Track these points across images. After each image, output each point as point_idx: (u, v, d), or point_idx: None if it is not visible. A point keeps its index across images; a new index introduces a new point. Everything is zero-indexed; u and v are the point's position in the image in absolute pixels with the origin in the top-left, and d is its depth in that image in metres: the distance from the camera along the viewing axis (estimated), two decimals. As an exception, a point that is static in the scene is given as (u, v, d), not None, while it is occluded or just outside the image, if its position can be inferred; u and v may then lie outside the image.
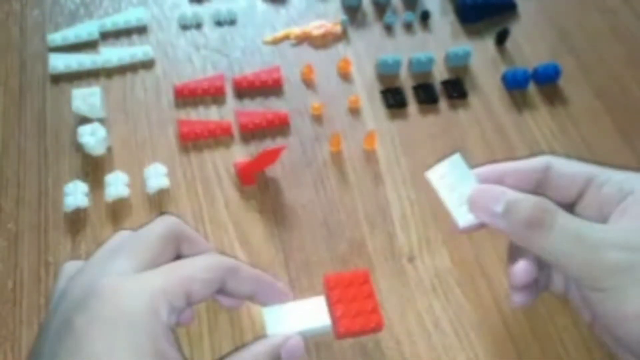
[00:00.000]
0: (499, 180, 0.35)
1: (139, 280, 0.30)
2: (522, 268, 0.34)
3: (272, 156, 0.46)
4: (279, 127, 0.50)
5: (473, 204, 0.34)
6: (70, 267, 0.34)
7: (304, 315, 0.35)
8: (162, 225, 0.34)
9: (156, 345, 0.28)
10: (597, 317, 0.32)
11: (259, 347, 0.32)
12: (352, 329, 0.37)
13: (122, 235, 0.35)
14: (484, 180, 0.35)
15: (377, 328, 0.38)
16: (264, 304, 0.35)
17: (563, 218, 0.31)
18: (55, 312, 0.30)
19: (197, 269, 0.32)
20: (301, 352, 0.33)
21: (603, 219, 0.32)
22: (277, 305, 0.35)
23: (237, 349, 0.33)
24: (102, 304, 0.28)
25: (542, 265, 0.35)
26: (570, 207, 0.34)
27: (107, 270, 0.30)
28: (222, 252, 0.42)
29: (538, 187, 0.35)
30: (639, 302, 0.28)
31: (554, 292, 0.36)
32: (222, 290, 0.33)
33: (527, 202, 0.32)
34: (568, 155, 0.49)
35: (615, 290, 0.29)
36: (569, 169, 0.34)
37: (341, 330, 0.36)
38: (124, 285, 0.29)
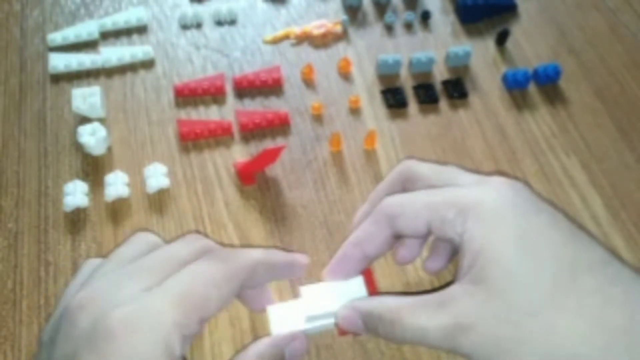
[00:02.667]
0: (362, 253, 0.35)
1: (151, 315, 0.27)
2: (401, 254, 0.37)
3: (272, 156, 0.46)
4: (279, 126, 0.50)
5: (340, 328, 0.35)
6: (90, 266, 0.32)
7: (309, 313, 0.35)
8: (188, 249, 0.31)
9: None
10: None
11: (263, 346, 0.32)
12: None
13: (142, 244, 0.32)
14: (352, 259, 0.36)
15: None
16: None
17: (400, 310, 0.31)
18: (61, 338, 0.28)
19: (211, 284, 0.29)
20: (304, 352, 0.33)
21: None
22: (282, 303, 0.35)
23: (239, 351, 0.32)
24: (113, 345, 0.26)
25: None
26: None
27: (118, 299, 0.28)
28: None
29: (395, 237, 0.35)
30: None
31: None
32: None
33: (375, 310, 0.32)
34: (567, 154, 0.49)
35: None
36: (408, 223, 0.33)
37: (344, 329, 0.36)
38: (135, 323, 0.27)
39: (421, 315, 0.30)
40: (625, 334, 0.26)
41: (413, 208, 0.32)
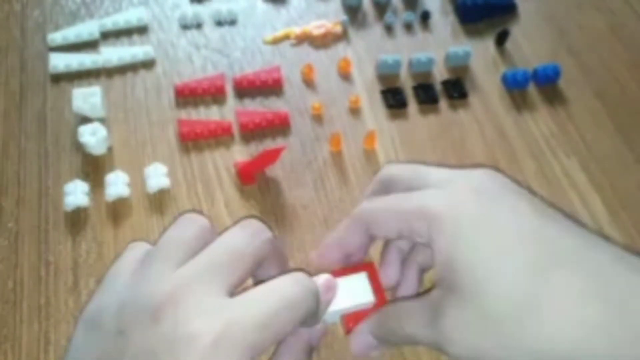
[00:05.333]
0: (341, 253, 0.36)
1: (235, 333, 0.26)
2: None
3: (272, 156, 0.46)
4: (279, 127, 0.51)
5: (347, 327, 0.35)
6: (138, 250, 0.31)
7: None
8: (253, 245, 0.30)
9: None
10: None
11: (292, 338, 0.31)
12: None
13: (194, 228, 0.30)
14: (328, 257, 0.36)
15: None
16: None
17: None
18: (139, 335, 0.27)
19: (290, 307, 0.28)
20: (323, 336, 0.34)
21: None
22: None
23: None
24: (193, 354, 0.25)
25: None
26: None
27: (200, 303, 0.27)
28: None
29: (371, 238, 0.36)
30: None
31: None
32: None
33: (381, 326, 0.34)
34: (567, 155, 0.49)
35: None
36: (380, 230, 0.34)
37: (350, 325, 0.35)
38: (218, 338, 0.26)
39: (414, 326, 0.31)
40: (604, 329, 0.26)
41: (384, 217, 0.33)
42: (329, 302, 0.33)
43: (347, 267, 0.38)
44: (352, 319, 0.36)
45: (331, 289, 0.33)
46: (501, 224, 0.30)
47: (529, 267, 0.28)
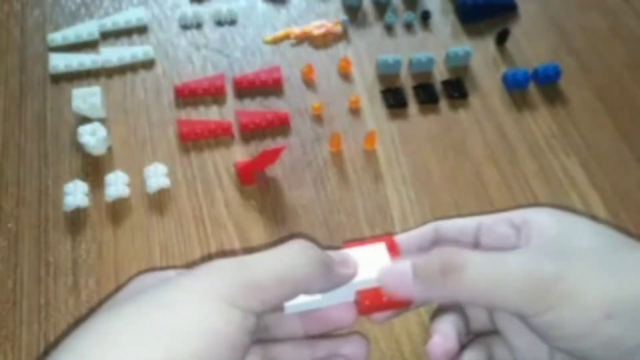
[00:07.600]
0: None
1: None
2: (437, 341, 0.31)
3: (272, 156, 0.46)
4: (279, 127, 0.50)
5: (386, 287, 0.31)
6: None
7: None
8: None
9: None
10: (557, 340, 0.28)
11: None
12: (378, 303, 0.31)
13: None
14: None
15: (406, 303, 0.31)
16: None
17: (473, 253, 0.29)
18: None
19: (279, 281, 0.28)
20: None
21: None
22: None
23: None
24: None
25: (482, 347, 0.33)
26: None
27: None
28: (222, 252, 0.42)
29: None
30: (597, 298, 0.26)
31: None
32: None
33: (432, 257, 0.29)
34: (567, 154, 0.49)
35: (562, 299, 0.27)
36: (457, 223, 0.33)
37: (366, 303, 0.30)
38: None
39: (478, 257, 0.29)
40: None
41: (465, 219, 0.33)
42: (347, 278, 0.30)
43: (363, 241, 0.33)
44: (369, 296, 0.31)
45: (346, 265, 0.30)
46: (591, 224, 0.30)
47: (624, 242, 0.29)
